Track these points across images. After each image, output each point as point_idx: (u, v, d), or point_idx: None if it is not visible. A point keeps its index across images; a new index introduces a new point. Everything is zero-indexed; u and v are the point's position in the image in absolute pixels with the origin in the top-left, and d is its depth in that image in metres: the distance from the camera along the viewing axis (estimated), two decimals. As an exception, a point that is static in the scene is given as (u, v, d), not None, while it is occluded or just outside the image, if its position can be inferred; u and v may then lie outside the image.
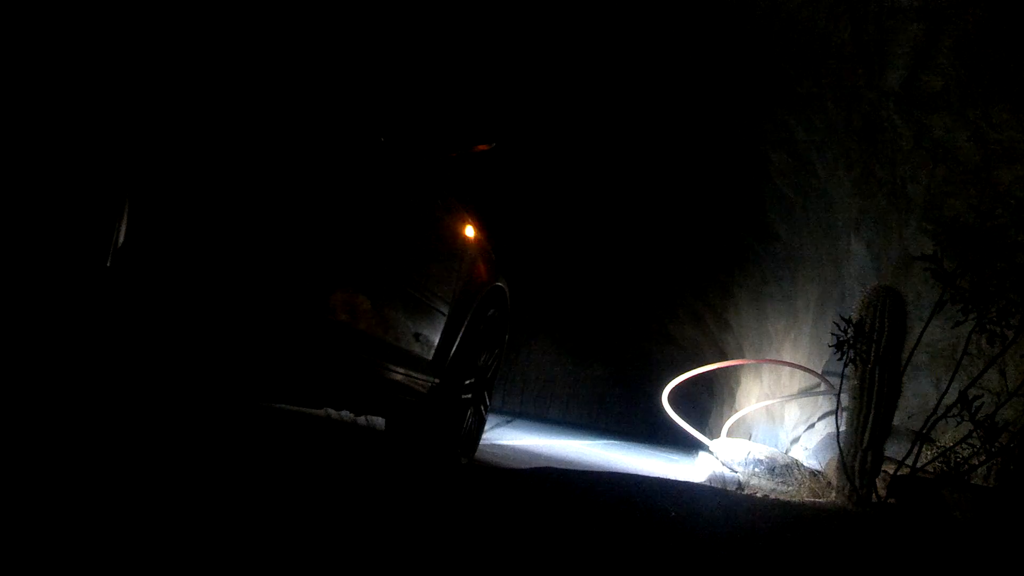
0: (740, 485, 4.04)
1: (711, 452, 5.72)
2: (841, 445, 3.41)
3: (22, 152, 1.04)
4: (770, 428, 7.85)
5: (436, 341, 2.54)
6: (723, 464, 5.00)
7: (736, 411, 9.44)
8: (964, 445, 2.98)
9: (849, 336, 3.32)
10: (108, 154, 1.14)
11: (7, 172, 1.03)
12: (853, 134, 4.83)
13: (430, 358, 2.53)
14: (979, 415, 2.82)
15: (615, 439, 10.43)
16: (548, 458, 4.42)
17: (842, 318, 3.39)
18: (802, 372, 6.37)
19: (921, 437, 3.12)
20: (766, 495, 3.65)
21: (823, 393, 5.81)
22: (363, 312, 2.00)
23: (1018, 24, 3.37)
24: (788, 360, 7.15)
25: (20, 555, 0.92)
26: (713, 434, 10.37)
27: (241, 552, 1.14)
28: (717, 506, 2.81)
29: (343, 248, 1.83)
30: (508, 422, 7.92)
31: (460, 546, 1.47)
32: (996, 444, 2.82)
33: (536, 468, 3.33)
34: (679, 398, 8.39)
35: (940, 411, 3.02)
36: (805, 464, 4.73)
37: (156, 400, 1.74)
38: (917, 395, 4.07)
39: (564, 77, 6.59)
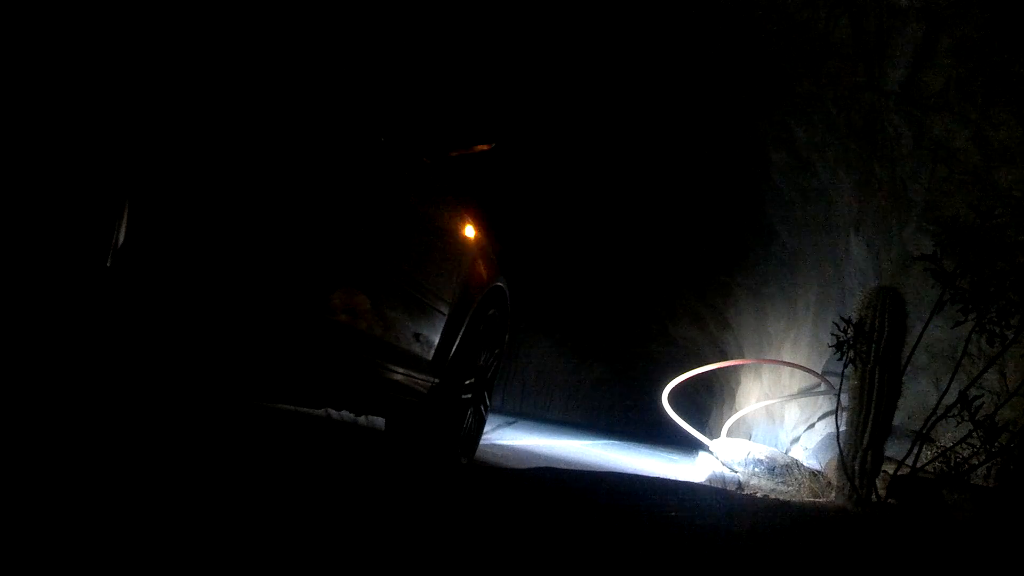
0: (740, 485, 4.04)
1: (711, 452, 5.72)
2: (841, 445, 3.41)
3: (22, 152, 1.04)
4: (770, 428, 7.85)
5: (436, 341, 2.54)
6: (723, 464, 5.00)
7: (736, 411, 9.43)
8: (964, 445, 2.97)
9: (849, 336, 3.32)
10: (108, 154, 1.14)
11: (7, 172, 1.03)
12: (853, 134, 4.83)
13: (430, 358, 2.52)
14: (979, 415, 2.82)
15: (615, 439, 10.43)
16: (548, 458, 4.42)
17: (842, 318, 3.39)
18: (802, 372, 6.37)
19: (921, 437, 3.12)
20: (766, 495, 3.65)
21: (823, 393, 5.81)
22: (363, 312, 2.00)
23: (1018, 24, 3.37)
24: (788, 360, 7.15)
25: (20, 555, 0.92)
26: (713, 434, 10.37)
27: (241, 552, 1.14)
28: (717, 506, 2.81)
29: (343, 248, 1.83)
30: (509, 423, 7.91)
31: (460, 546, 1.47)
32: (996, 444, 2.81)
33: (536, 468, 3.33)
34: (679, 398, 8.39)
35: (940, 411, 3.02)
36: (805, 464, 4.73)
37: (156, 400, 1.74)
38: (917, 395, 4.07)
39: (564, 77, 6.59)
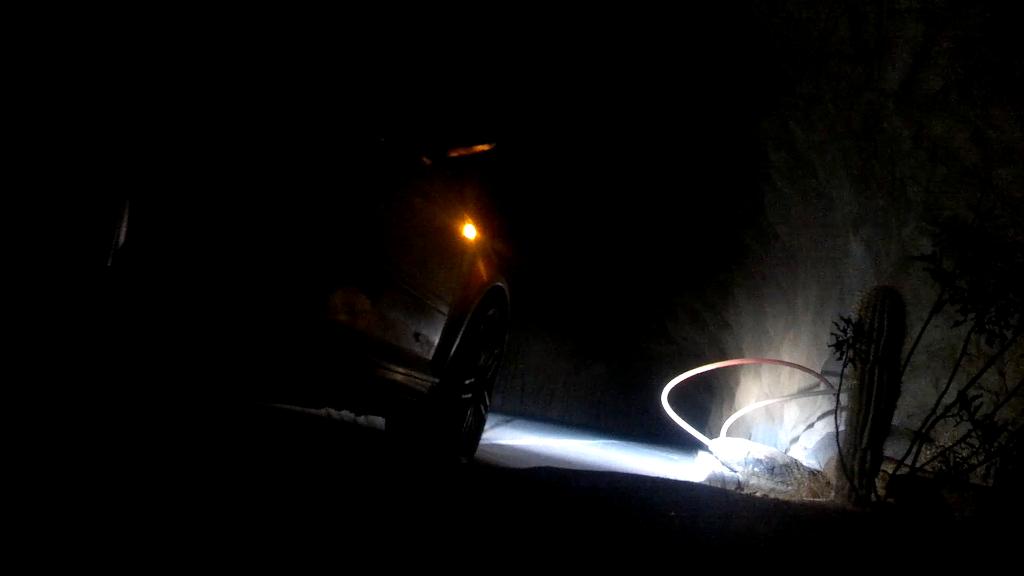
0: (739, 485, 4.04)
1: (710, 452, 5.72)
2: (840, 445, 3.42)
3: (23, 151, 1.04)
4: (769, 428, 7.85)
5: (436, 341, 2.54)
6: (722, 464, 5.00)
7: (735, 411, 9.43)
8: (963, 445, 2.98)
9: (848, 336, 3.32)
10: (109, 153, 1.14)
11: (7, 172, 1.03)
12: (852, 134, 4.83)
13: (430, 358, 2.53)
14: (978, 415, 2.82)
15: (615, 438, 10.44)
16: (547, 458, 4.42)
17: (841, 318, 3.39)
18: (801, 372, 6.37)
19: (920, 437, 3.12)
20: (765, 495, 3.65)
21: (822, 393, 5.81)
22: (363, 311, 2.00)
23: (1017, 24, 3.37)
24: (787, 360, 7.15)
25: (20, 555, 0.92)
26: (712, 434, 10.37)
27: (241, 553, 1.14)
28: (716, 506, 2.81)
29: (343, 247, 1.83)
30: (508, 422, 7.92)
31: (459, 546, 1.47)
32: (995, 444, 2.82)
33: (535, 468, 3.34)
34: (679, 398, 8.39)
35: (939, 411, 3.02)
36: (804, 464, 4.73)
37: (156, 400, 1.74)
38: (916, 395, 4.06)
39: (564, 76, 6.59)
